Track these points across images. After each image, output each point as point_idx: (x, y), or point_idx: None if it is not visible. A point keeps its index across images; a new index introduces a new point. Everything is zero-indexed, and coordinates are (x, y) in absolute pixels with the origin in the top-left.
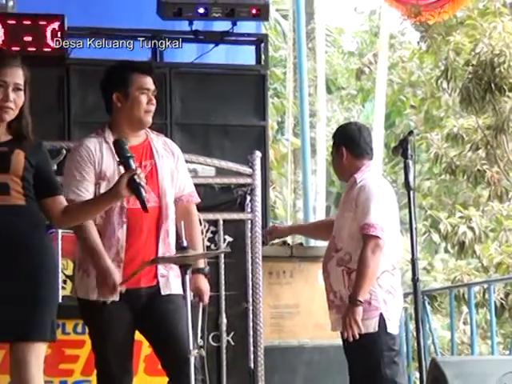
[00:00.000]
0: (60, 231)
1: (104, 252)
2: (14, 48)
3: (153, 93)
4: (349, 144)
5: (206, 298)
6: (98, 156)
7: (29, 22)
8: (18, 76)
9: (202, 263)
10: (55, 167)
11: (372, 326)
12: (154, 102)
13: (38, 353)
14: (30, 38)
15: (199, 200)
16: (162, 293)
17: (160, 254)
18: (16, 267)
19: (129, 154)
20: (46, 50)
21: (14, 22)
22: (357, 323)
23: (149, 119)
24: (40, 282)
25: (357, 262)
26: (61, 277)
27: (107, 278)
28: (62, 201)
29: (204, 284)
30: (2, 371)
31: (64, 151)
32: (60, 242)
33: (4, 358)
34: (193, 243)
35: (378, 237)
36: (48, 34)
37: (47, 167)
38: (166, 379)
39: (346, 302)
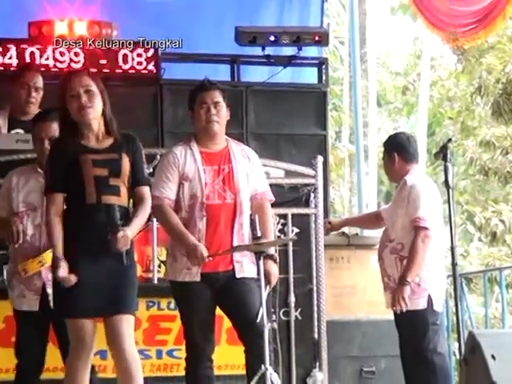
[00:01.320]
0: (155, 223)
1: (187, 232)
2: (118, 71)
3: (214, 104)
4: (400, 151)
5: (274, 280)
6: (182, 161)
7: (130, 48)
8: (85, 81)
9: (272, 250)
10: (151, 170)
11: (421, 304)
12: (215, 111)
13: (128, 323)
14: (129, 62)
15: (273, 198)
16: (237, 276)
17: (235, 244)
18: (108, 257)
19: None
20: (143, 72)
21: (117, 48)
22: (404, 300)
23: (212, 127)
24: (127, 266)
25: (408, 249)
26: (156, 262)
27: (196, 250)
28: (140, 190)
29: (273, 268)
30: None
31: (158, 157)
32: (156, 233)
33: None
34: (265, 233)
35: (427, 228)
36: (145, 58)
37: (137, 159)
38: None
39: None
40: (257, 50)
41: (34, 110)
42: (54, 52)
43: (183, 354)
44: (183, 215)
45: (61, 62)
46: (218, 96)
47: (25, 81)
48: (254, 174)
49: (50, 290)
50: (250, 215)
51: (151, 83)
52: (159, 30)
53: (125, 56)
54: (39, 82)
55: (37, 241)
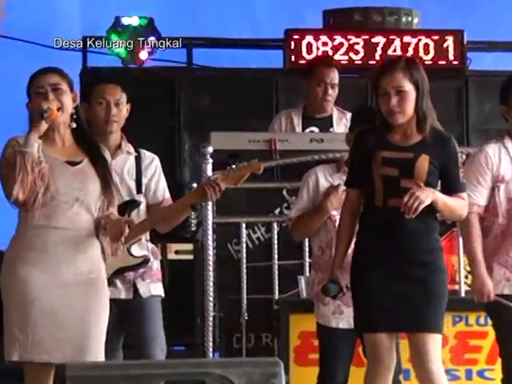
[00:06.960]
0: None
1: (481, 259)
2: (427, 62)
3: None
4: None
5: None
6: (496, 161)
7: (431, 37)
8: (396, 81)
9: None
10: None
11: None
12: None
13: (435, 342)
14: (431, 52)
15: None
16: None
17: None
18: (410, 266)
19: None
20: (445, 63)
21: (420, 37)
22: None
23: None
24: (432, 279)
25: None
26: (463, 272)
27: (482, 287)
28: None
29: None
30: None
31: (464, 157)
32: (461, 240)
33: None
34: None
35: None
36: (450, 48)
37: (450, 165)
38: None
39: None
40: None
41: (330, 107)
42: (352, 43)
43: (496, 375)
44: (500, 221)
45: (356, 55)
46: None
47: (320, 77)
48: None
49: None
50: None
51: (455, 76)
52: (464, 18)
53: (426, 46)
54: (335, 78)
55: None
